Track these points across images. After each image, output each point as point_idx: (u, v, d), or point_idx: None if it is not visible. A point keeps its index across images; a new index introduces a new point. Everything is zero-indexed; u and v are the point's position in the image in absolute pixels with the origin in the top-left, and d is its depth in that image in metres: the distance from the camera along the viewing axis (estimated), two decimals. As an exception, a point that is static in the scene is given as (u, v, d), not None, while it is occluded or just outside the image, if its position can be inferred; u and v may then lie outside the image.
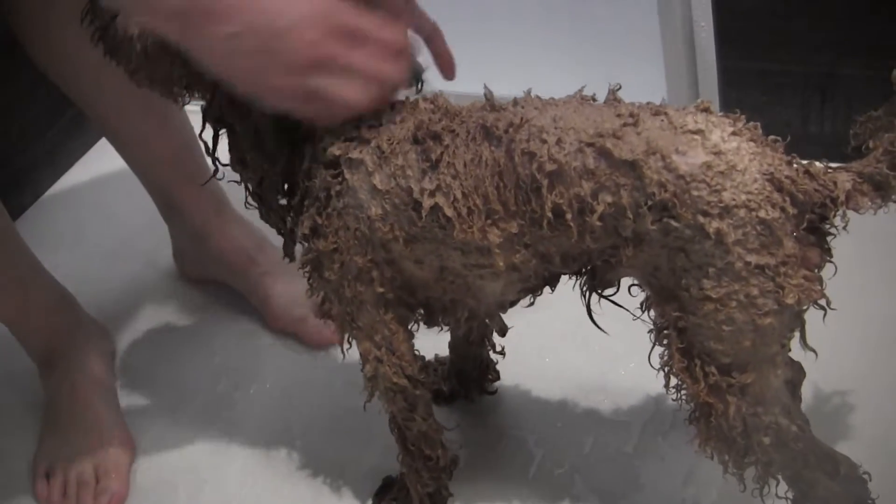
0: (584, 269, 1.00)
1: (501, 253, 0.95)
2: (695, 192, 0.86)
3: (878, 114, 0.90)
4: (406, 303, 1.06)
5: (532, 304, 1.08)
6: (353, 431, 1.29)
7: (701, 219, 0.86)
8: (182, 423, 1.39)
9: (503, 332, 1.21)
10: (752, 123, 0.91)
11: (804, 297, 0.88)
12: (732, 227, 0.85)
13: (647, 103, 0.93)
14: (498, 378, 1.33)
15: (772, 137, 0.91)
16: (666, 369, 0.96)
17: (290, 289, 1.45)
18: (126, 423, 1.37)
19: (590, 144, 0.89)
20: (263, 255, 1.50)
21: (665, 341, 0.95)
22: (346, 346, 1.09)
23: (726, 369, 0.92)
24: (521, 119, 0.93)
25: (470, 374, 1.31)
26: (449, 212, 0.93)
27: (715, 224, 0.86)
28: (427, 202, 0.94)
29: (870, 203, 0.89)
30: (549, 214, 0.91)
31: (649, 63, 1.67)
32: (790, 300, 0.87)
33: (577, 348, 1.17)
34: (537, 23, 1.74)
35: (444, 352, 1.30)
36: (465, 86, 1.83)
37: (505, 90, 1.76)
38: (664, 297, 0.93)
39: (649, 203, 0.87)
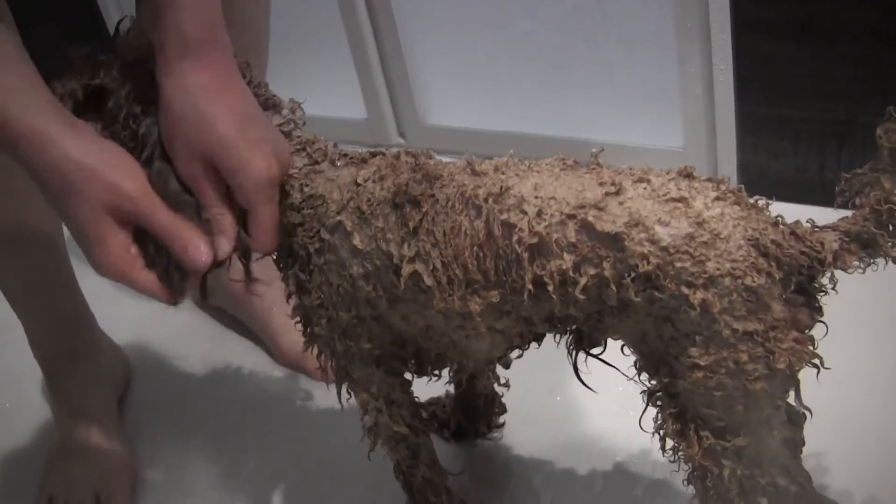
0: (569, 330, 1.00)
1: (483, 320, 0.95)
2: (678, 264, 0.85)
3: (863, 171, 0.90)
4: (398, 356, 1.06)
5: (521, 356, 1.08)
6: (362, 467, 1.29)
7: (685, 290, 0.85)
8: (190, 452, 1.40)
9: (507, 364, 1.20)
10: (736, 186, 0.90)
11: (795, 359, 0.87)
12: (718, 296, 0.85)
13: (629, 168, 0.92)
14: (505, 411, 1.32)
15: (757, 198, 0.90)
16: (661, 432, 0.96)
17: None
18: (130, 449, 1.38)
19: (571, 217, 0.88)
20: (271, 290, 1.50)
21: (658, 403, 0.95)
22: (344, 396, 1.10)
23: (720, 433, 0.91)
24: (501, 188, 0.92)
25: (476, 409, 1.31)
26: (428, 280, 0.93)
27: (700, 295, 0.85)
28: (406, 269, 0.94)
29: (857, 262, 0.88)
30: (530, 286, 0.90)
31: (667, 107, 1.68)
32: (781, 364, 0.86)
33: (588, 389, 1.16)
34: (556, 65, 1.75)
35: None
36: (483, 122, 1.85)
37: (526, 129, 1.78)
38: (654, 362, 0.93)
39: (633, 275, 0.87)
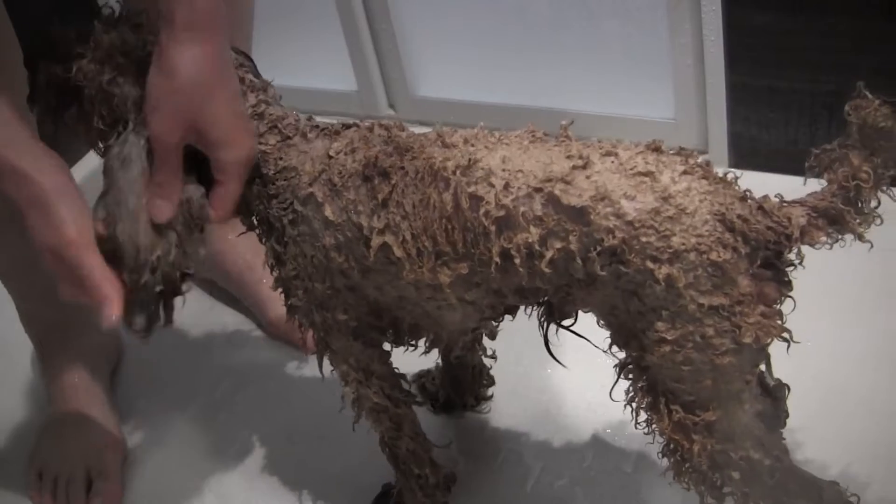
0: (540, 302, 1.00)
1: (453, 292, 0.95)
2: (643, 239, 0.85)
3: (832, 146, 0.90)
4: (375, 326, 1.07)
5: (497, 326, 1.09)
6: (354, 437, 1.30)
7: (650, 264, 0.85)
8: (181, 424, 1.41)
9: (493, 335, 1.20)
10: (704, 160, 0.90)
11: (762, 334, 0.87)
12: (683, 271, 0.85)
13: (598, 141, 0.92)
14: (493, 383, 1.33)
15: (726, 171, 0.90)
16: (633, 405, 0.96)
17: None
18: (120, 424, 1.38)
19: (538, 190, 0.89)
20: (261, 262, 1.50)
21: (629, 377, 0.95)
22: (327, 367, 1.11)
23: (690, 407, 0.91)
24: (470, 160, 0.92)
25: (463, 381, 1.32)
26: (398, 252, 0.94)
27: (665, 270, 0.85)
28: (376, 240, 0.95)
29: (825, 238, 0.88)
30: (497, 259, 0.90)
31: (658, 78, 1.67)
32: (748, 339, 0.86)
33: (578, 361, 1.17)
34: (547, 36, 1.75)
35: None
36: (472, 94, 1.85)
37: (516, 100, 1.77)
38: (624, 335, 0.93)
39: (598, 249, 0.87)
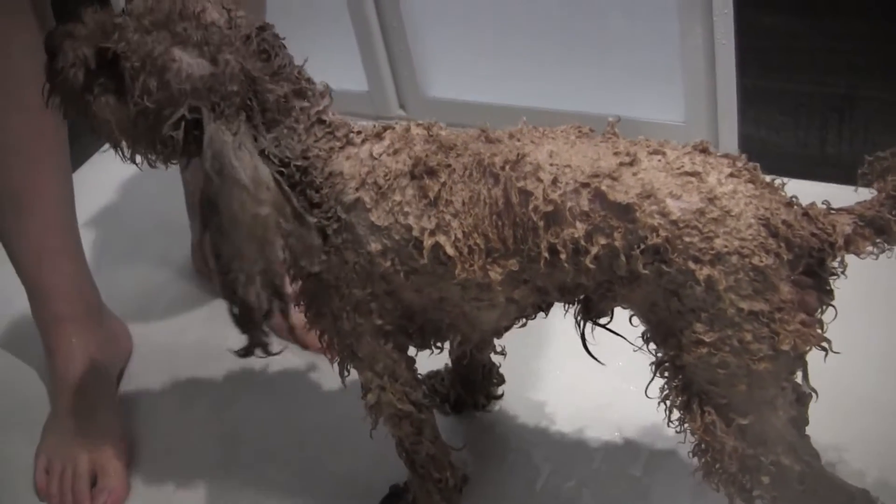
0: (578, 300, 1.00)
1: (502, 290, 0.95)
2: (687, 239, 0.85)
3: (885, 154, 0.89)
4: (405, 330, 1.06)
5: (524, 325, 1.08)
6: (360, 439, 1.29)
7: (692, 265, 0.85)
8: (188, 424, 1.40)
9: (500, 333, 1.18)
10: (751, 164, 0.89)
11: (801, 342, 0.86)
12: (724, 273, 0.84)
13: (646, 139, 0.91)
14: (503, 382, 1.32)
15: (773, 178, 0.90)
16: (667, 402, 0.96)
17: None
18: (125, 420, 1.38)
19: (585, 185, 0.88)
20: None
21: (665, 374, 0.95)
22: (345, 373, 1.09)
23: (723, 410, 0.91)
24: (518, 155, 0.91)
25: (474, 380, 1.31)
26: (450, 251, 0.93)
27: (706, 271, 0.85)
28: (428, 241, 0.93)
29: (871, 248, 0.88)
30: (546, 254, 0.90)
31: (669, 81, 1.67)
32: (785, 346, 0.86)
33: (588, 363, 1.17)
34: (557, 39, 1.74)
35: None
36: (486, 96, 1.85)
37: (526, 102, 1.77)
38: (662, 332, 0.93)
39: (642, 247, 0.86)
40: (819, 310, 0.88)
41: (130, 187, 1.87)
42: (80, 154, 1.93)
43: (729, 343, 0.87)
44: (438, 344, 1.10)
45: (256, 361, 1.46)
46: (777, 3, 1.52)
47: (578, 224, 0.88)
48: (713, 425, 0.92)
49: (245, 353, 0.95)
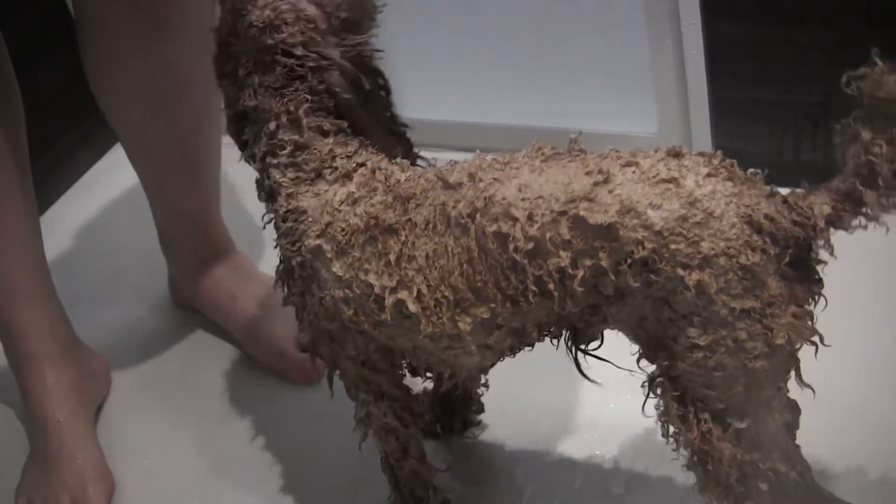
0: (563, 333, 0.98)
1: (473, 338, 0.93)
2: (673, 246, 0.84)
3: (847, 121, 0.86)
4: (387, 359, 1.05)
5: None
6: (344, 465, 1.29)
7: (681, 271, 0.84)
8: (169, 457, 1.39)
9: None
10: (728, 161, 0.88)
11: (794, 335, 0.86)
12: (713, 276, 0.84)
13: (616, 151, 0.90)
14: (482, 410, 1.31)
15: (751, 171, 0.89)
16: (664, 418, 0.94)
17: (270, 325, 1.46)
18: (105, 457, 1.37)
19: (562, 213, 0.86)
20: (246, 293, 1.50)
21: (659, 391, 0.94)
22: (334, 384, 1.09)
23: (720, 415, 0.90)
24: (485, 200, 0.89)
25: (453, 405, 1.29)
26: (413, 307, 0.91)
27: (695, 276, 0.84)
28: (389, 298, 0.92)
29: (855, 221, 0.86)
30: (534, 287, 0.88)
31: (640, 93, 1.67)
32: (780, 340, 0.85)
33: (567, 382, 1.16)
34: (529, 55, 1.74)
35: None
36: (457, 114, 1.84)
37: (500, 119, 1.77)
38: (653, 346, 0.92)
39: (629, 261, 0.85)
40: (809, 301, 0.87)
41: (105, 223, 1.85)
42: (53, 191, 1.93)
43: (724, 344, 0.86)
44: (429, 374, 1.09)
45: (236, 395, 1.46)
46: (746, 13, 1.52)
47: (562, 253, 0.87)
48: (710, 433, 0.91)
49: None
